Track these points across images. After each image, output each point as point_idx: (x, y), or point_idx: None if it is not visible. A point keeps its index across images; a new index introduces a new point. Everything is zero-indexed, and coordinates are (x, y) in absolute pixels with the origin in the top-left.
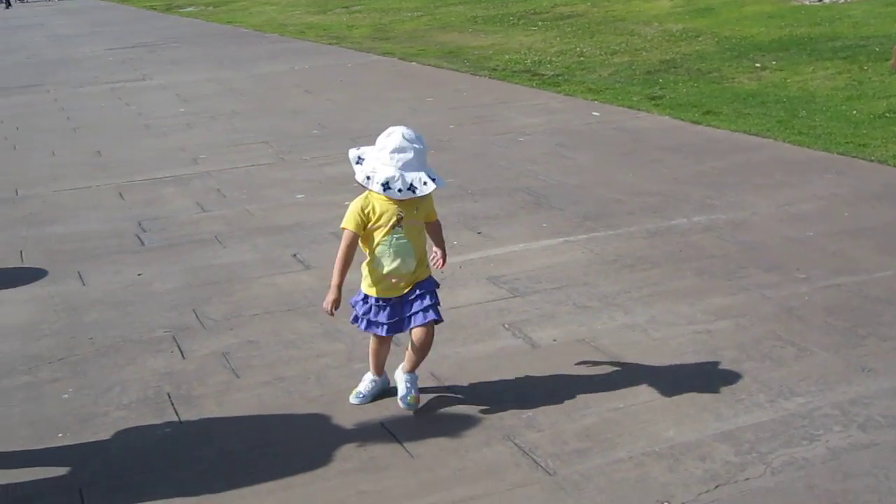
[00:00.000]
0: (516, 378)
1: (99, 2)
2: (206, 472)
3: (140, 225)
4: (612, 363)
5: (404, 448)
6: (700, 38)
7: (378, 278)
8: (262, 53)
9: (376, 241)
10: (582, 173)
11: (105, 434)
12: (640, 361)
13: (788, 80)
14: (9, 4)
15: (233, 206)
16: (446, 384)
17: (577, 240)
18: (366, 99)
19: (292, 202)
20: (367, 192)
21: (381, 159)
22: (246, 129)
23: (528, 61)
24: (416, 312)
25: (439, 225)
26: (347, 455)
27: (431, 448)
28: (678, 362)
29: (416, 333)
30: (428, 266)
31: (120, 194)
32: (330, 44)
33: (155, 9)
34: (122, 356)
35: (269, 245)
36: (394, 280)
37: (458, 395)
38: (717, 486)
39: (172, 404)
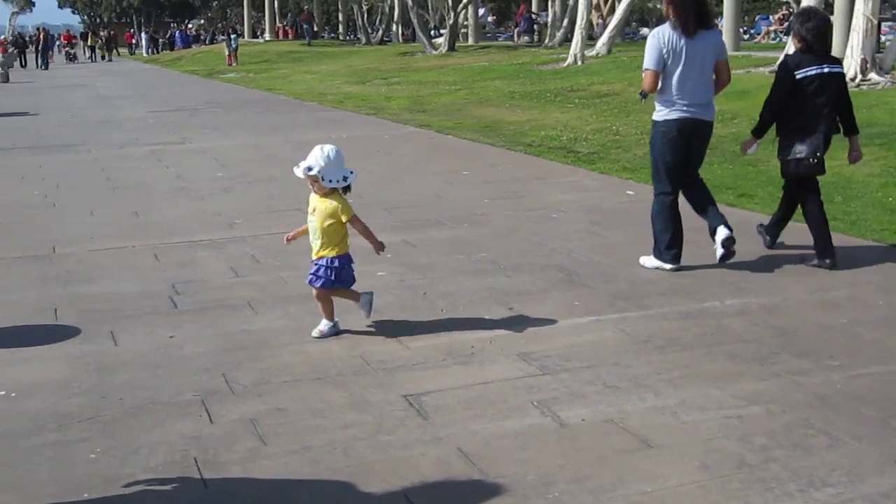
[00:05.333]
0: (543, 457)
1: (143, 65)
2: None
3: (174, 287)
4: (640, 445)
5: None
6: (735, 121)
7: None
8: (300, 121)
9: None
10: (615, 252)
11: (130, 496)
12: (670, 445)
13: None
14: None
15: (266, 272)
16: (473, 460)
17: (609, 319)
18: (402, 170)
19: None
20: None
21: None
22: (282, 195)
23: (564, 138)
24: None
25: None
26: None
27: None
28: (708, 447)
29: None
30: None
31: (155, 256)
32: (368, 114)
33: (197, 73)
34: (151, 418)
35: (301, 313)
36: None
37: (484, 472)
38: None
39: (199, 469)
